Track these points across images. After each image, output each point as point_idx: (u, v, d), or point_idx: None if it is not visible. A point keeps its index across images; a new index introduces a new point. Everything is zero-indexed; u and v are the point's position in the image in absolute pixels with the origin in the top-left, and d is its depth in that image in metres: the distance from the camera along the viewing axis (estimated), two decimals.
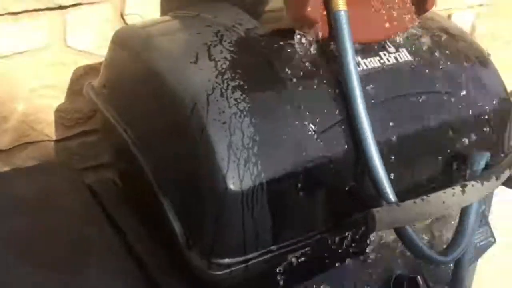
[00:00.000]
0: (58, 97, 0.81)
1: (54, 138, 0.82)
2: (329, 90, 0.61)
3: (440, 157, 0.68)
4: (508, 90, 0.77)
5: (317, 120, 0.58)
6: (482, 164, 0.65)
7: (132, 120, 0.67)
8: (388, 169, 0.60)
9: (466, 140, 0.68)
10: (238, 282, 0.57)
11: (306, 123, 0.58)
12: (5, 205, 0.69)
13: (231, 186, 0.54)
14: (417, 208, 0.56)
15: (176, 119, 0.59)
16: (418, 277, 0.71)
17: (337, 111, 0.60)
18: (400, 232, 0.57)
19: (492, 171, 0.64)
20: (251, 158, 0.55)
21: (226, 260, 0.55)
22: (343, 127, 0.60)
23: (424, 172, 0.67)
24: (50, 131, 0.81)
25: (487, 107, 0.72)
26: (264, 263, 0.57)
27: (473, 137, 0.69)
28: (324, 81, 0.61)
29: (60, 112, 0.81)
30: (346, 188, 0.59)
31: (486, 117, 0.72)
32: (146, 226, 0.69)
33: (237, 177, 0.54)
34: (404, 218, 0.56)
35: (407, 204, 0.56)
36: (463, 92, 0.70)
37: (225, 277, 0.55)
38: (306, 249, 0.59)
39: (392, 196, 0.57)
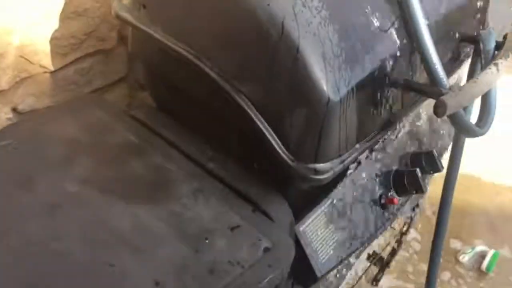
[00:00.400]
0: (52, 25, 0.71)
1: (51, 69, 0.72)
2: None
3: (454, 39, 0.76)
4: None
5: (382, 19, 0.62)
6: (493, 41, 0.75)
7: (197, 38, 0.62)
8: None
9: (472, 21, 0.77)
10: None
11: (375, 22, 0.61)
12: (66, 152, 0.63)
13: (332, 96, 0.56)
14: (473, 89, 0.64)
15: (264, 34, 0.56)
16: (417, 169, 0.79)
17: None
18: (454, 115, 0.66)
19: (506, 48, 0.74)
20: (341, 66, 0.57)
21: (328, 165, 0.60)
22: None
23: (444, 55, 0.75)
24: (47, 62, 0.70)
25: None
26: (351, 161, 0.63)
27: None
28: None
29: (55, 40, 0.70)
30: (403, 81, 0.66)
31: None
32: (214, 147, 0.69)
33: (335, 86, 0.57)
34: (464, 100, 0.64)
35: (466, 87, 0.64)
36: None
37: (328, 179, 0.60)
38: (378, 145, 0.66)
39: (446, 82, 0.65)
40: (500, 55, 0.71)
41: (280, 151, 0.59)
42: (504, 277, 1.31)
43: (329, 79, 0.56)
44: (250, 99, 0.59)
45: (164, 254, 0.54)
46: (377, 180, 0.73)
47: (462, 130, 0.69)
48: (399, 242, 1.14)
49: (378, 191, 0.74)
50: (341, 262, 0.70)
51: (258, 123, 0.58)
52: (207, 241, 0.56)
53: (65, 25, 0.70)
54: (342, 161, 0.61)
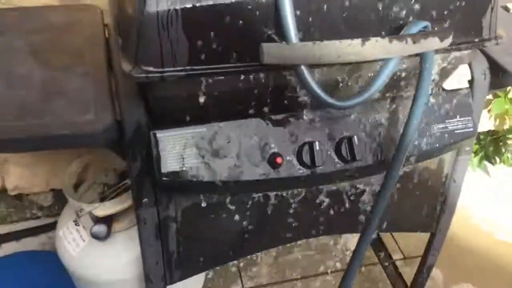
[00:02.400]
0: None
1: None
2: None
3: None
4: None
5: None
6: (414, 30, 0.69)
7: None
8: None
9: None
10: (164, 89, 0.70)
11: None
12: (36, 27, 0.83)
13: (148, 8, 0.62)
14: (307, 50, 0.63)
15: None
16: (355, 136, 0.82)
17: None
18: (297, 71, 0.66)
19: (411, 34, 0.69)
20: None
21: (145, 68, 0.66)
22: None
23: None
24: None
25: None
26: (179, 78, 0.68)
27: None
28: None
29: None
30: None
31: None
32: None
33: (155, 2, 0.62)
34: (294, 56, 0.63)
35: (297, 44, 0.63)
36: None
37: (144, 80, 0.67)
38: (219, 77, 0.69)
39: (294, 38, 0.65)
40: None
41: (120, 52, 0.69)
42: None
43: None
44: None
45: None
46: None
47: (309, 92, 0.68)
48: None
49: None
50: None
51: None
52: None
53: None
54: (162, 72, 0.66)
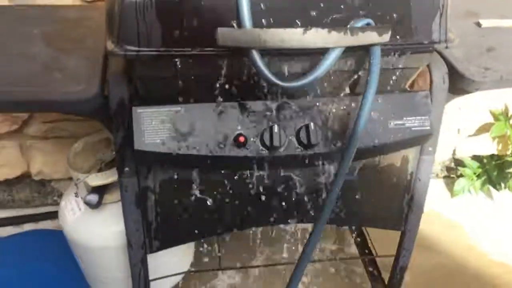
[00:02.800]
0: None
1: None
2: None
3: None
4: None
5: None
6: (356, 25, 0.79)
7: None
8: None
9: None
10: (144, 69, 0.83)
11: None
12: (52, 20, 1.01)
13: None
14: (255, 34, 0.74)
15: None
16: (311, 123, 0.91)
17: None
18: (248, 54, 0.77)
19: (350, 27, 0.79)
20: None
21: (125, 46, 0.79)
22: None
23: None
24: None
25: None
26: (154, 58, 0.81)
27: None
28: None
29: None
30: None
31: None
32: None
33: None
34: (242, 39, 0.74)
35: (246, 30, 0.75)
36: None
37: (123, 57, 0.80)
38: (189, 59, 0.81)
39: (247, 25, 0.76)
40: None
41: (106, 34, 0.83)
42: None
43: None
44: None
45: None
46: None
47: (259, 75, 0.78)
48: None
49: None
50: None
51: None
52: None
53: None
54: (138, 51, 0.79)
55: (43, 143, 1.55)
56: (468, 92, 0.99)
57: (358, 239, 1.52)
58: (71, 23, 1.04)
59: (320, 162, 0.96)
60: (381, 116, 0.95)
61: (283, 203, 1.02)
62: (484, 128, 1.75)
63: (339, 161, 0.91)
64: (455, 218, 1.80)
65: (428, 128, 0.96)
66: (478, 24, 1.13)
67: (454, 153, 1.88)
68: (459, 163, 1.88)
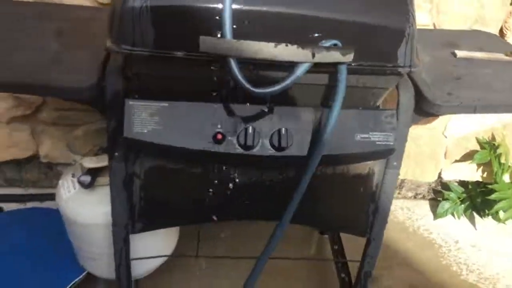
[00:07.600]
0: None
1: None
2: None
3: None
4: None
5: None
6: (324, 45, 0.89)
7: None
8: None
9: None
10: (139, 67, 0.95)
11: None
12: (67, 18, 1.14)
13: (127, 3, 0.87)
14: (232, 44, 0.85)
15: None
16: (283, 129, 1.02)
17: None
18: (226, 61, 0.87)
19: (317, 46, 0.89)
20: None
21: (121, 45, 0.91)
22: None
23: None
24: None
25: None
26: (145, 57, 0.92)
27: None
28: None
29: None
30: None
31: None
32: None
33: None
34: (221, 48, 0.85)
35: (226, 40, 0.85)
36: None
37: (118, 54, 0.93)
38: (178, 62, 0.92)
39: (228, 36, 0.87)
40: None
41: (107, 33, 0.94)
42: None
43: None
44: None
45: None
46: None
47: (235, 81, 0.89)
48: None
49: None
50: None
51: None
52: None
53: None
54: (132, 50, 0.90)
55: (53, 128, 1.68)
56: (431, 115, 1.08)
57: (336, 247, 1.61)
58: (83, 21, 1.16)
59: (290, 165, 1.06)
60: (349, 128, 1.04)
61: (255, 200, 1.13)
62: (470, 155, 1.83)
63: (305, 164, 1.01)
64: (435, 238, 1.88)
65: (392, 143, 1.06)
66: (454, 54, 1.22)
67: (440, 177, 1.95)
68: (445, 187, 1.96)
